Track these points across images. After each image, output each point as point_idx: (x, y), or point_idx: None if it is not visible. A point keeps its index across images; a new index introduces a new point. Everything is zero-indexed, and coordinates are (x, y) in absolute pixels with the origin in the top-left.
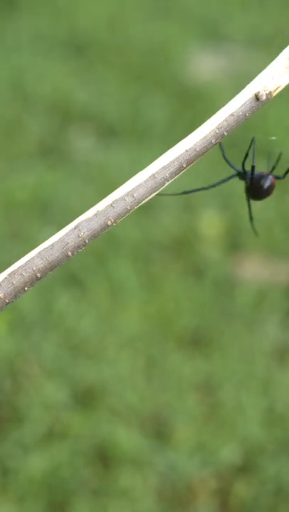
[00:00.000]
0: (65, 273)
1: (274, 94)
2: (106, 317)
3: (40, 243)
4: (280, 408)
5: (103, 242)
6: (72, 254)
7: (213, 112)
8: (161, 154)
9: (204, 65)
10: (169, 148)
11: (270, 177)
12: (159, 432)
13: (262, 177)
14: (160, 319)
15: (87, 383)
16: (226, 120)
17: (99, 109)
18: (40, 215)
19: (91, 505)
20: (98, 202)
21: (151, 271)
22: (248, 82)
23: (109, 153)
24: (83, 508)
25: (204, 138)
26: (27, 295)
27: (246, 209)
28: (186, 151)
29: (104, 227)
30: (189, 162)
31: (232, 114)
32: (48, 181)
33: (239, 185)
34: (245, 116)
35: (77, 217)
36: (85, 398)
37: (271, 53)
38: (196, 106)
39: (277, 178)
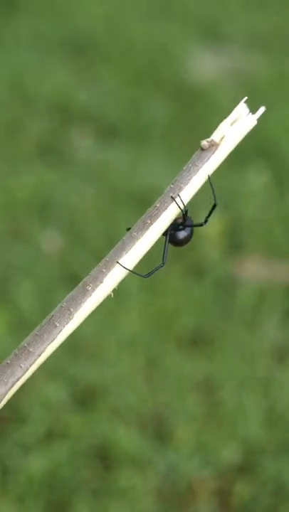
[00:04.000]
0: (65, 273)
1: (220, 142)
2: (106, 317)
3: (40, 243)
4: (280, 408)
5: (103, 242)
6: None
7: (214, 112)
8: (161, 154)
9: (204, 65)
10: (169, 148)
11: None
12: (159, 432)
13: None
14: (160, 319)
15: (87, 383)
16: (179, 175)
17: (99, 109)
18: (40, 215)
19: (91, 505)
20: (98, 201)
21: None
22: (247, 82)
23: (109, 153)
24: (83, 508)
25: (162, 194)
26: (28, 295)
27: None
28: (149, 210)
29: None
30: (152, 217)
31: (183, 169)
32: (47, 181)
33: (239, 186)
34: (195, 165)
35: (77, 217)
36: (85, 398)
37: (271, 53)
38: (195, 106)
39: (196, 225)
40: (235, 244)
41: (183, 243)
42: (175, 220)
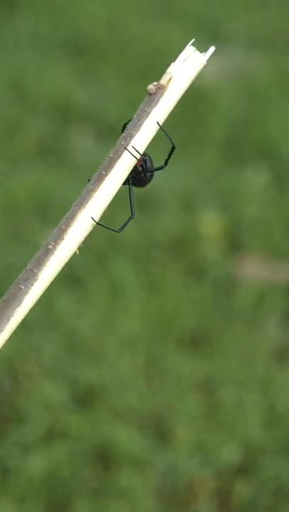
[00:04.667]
0: (65, 273)
1: (168, 85)
2: (106, 317)
3: (41, 243)
4: (280, 408)
5: (103, 243)
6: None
7: (214, 112)
8: (161, 154)
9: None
10: (169, 149)
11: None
12: (159, 432)
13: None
14: (160, 319)
15: (87, 383)
16: (129, 123)
17: (99, 109)
18: (40, 215)
19: (91, 505)
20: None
21: (151, 271)
22: (247, 82)
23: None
24: (83, 508)
25: (115, 144)
26: None
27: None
28: (103, 159)
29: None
30: (107, 168)
31: (133, 117)
32: (47, 181)
33: (239, 186)
34: (144, 110)
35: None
36: (85, 398)
37: (271, 53)
38: (196, 106)
39: (158, 169)
40: (235, 244)
41: (145, 185)
42: (135, 167)
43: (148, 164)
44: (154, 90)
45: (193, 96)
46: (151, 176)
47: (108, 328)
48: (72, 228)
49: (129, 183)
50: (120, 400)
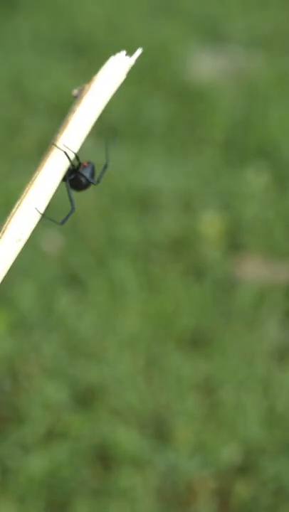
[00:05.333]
0: (65, 273)
1: (89, 87)
2: (106, 317)
3: (40, 244)
4: (280, 408)
5: (103, 242)
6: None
7: (214, 112)
8: (161, 154)
9: (204, 65)
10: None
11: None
12: (159, 432)
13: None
14: (160, 319)
15: (87, 383)
16: (60, 127)
17: None
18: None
19: (91, 505)
20: (98, 201)
21: (151, 271)
22: (247, 82)
23: (109, 153)
24: (83, 508)
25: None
26: (28, 295)
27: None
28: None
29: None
30: (39, 166)
31: (63, 120)
32: None
33: (239, 186)
34: (71, 110)
35: (77, 217)
36: (85, 398)
37: (271, 53)
38: (196, 106)
39: (88, 181)
40: (235, 244)
41: (80, 189)
42: (69, 168)
43: (86, 171)
44: (76, 93)
45: (193, 95)
46: (88, 184)
47: (108, 328)
48: (16, 218)
49: (65, 180)
50: (120, 400)
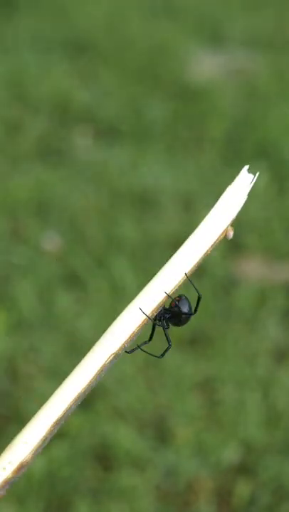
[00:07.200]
0: (65, 272)
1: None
2: (106, 317)
3: (40, 243)
4: (280, 408)
5: (103, 242)
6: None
7: (214, 112)
8: (161, 154)
9: (204, 65)
10: (169, 148)
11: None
12: (159, 432)
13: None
14: None
15: None
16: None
17: (99, 110)
18: (40, 215)
19: (91, 505)
20: (98, 201)
21: (151, 271)
22: (247, 82)
23: (109, 153)
24: (83, 508)
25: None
26: (27, 295)
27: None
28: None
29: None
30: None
31: (206, 254)
32: (48, 181)
33: None
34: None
35: (77, 217)
36: (85, 398)
37: (271, 53)
38: (196, 106)
39: (188, 314)
40: (235, 244)
41: (181, 325)
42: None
43: (184, 306)
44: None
45: (193, 95)
46: (187, 318)
47: (108, 327)
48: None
49: (161, 322)
50: (120, 400)
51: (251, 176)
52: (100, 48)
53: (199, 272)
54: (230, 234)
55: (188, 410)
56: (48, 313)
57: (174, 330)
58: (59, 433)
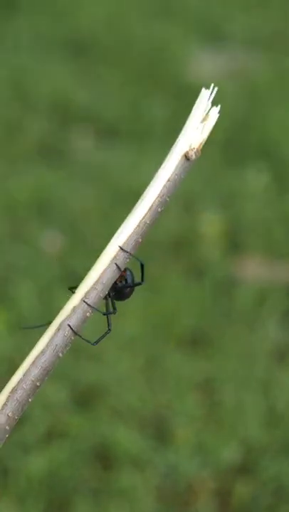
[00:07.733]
0: (65, 273)
1: (200, 149)
2: (106, 317)
3: (40, 244)
4: (280, 408)
5: (103, 242)
6: (62, 354)
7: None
8: (161, 154)
9: (204, 65)
10: (169, 148)
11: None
12: (159, 432)
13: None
14: (160, 320)
15: (87, 383)
16: (164, 187)
17: (99, 110)
18: (40, 216)
19: (91, 505)
20: (98, 201)
21: (151, 271)
22: (247, 82)
23: (109, 153)
24: (83, 508)
25: (150, 209)
26: (27, 295)
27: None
28: (138, 226)
29: (84, 319)
30: (143, 235)
31: (169, 180)
32: (47, 182)
33: (239, 186)
34: (181, 178)
35: (77, 217)
36: (85, 398)
37: (271, 53)
38: None
39: (136, 284)
40: (235, 244)
41: (124, 299)
42: (115, 282)
43: (129, 279)
44: (193, 156)
45: (193, 95)
46: (132, 291)
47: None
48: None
49: (108, 298)
50: (120, 400)
51: (208, 91)
52: (100, 48)
53: (199, 272)
54: (192, 155)
55: (188, 410)
56: (48, 313)
57: (174, 330)
58: (59, 433)
